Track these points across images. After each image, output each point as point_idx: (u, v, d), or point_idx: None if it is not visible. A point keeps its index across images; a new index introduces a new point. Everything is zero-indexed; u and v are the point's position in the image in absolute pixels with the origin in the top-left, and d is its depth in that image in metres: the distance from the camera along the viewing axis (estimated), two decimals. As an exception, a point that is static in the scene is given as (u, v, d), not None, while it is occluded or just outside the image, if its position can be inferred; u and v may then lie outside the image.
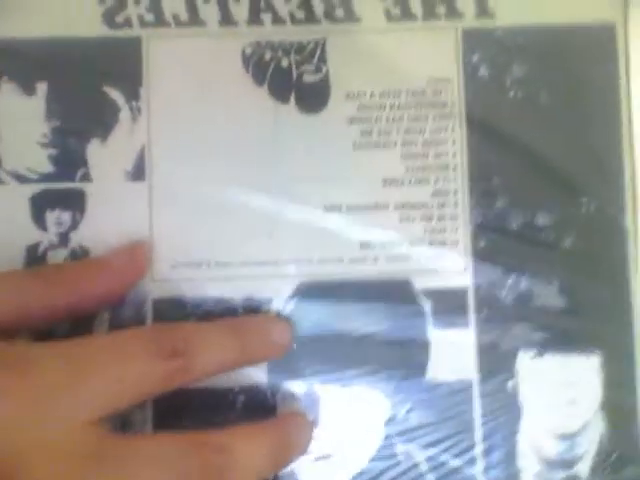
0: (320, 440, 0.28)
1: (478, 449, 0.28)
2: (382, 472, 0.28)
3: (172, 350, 0.23)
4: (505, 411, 0.28)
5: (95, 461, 0.22)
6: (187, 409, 0.27)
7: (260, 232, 0.27)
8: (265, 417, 0.27)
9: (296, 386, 0.28)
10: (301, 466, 0.27)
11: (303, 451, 0.27)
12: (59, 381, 0.22)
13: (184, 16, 0.28)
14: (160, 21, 0.28)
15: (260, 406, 0.27)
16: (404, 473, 0.28)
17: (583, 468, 0.28)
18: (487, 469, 0.28)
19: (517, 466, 0.28)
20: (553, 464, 0.28)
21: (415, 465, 0.28)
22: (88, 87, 0.27)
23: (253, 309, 0.28)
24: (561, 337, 0.28)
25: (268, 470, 0.25)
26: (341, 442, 0.28)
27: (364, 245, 0.28)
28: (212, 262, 0.28)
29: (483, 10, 0.28)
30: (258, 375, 0.27)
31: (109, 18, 0.28)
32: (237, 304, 0.27)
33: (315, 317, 0.28)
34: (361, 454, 0.28)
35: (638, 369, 0.28)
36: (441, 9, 0.28)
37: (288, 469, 0.27)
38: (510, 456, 0.28)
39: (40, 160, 0.27)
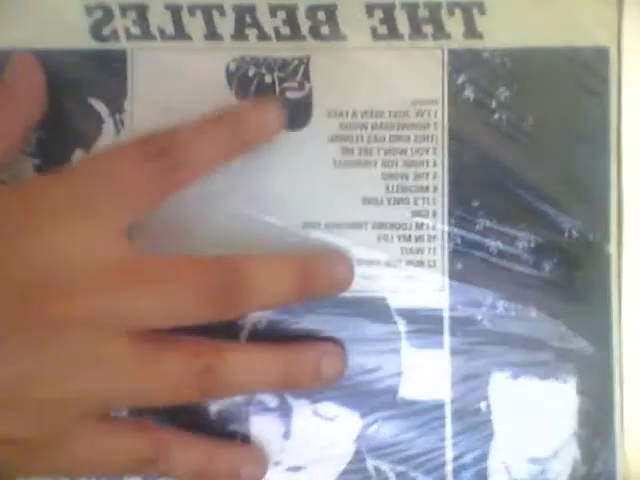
0: (292, 452, 0.28)
1: (448, 468, 0.28)
2: (352, 486, 0.28)
3: (159, 149, 0.24)
4: (477, 432, 0.28)
5: (128, 274, 0.23)
6: (162, 420, 0.28)
7: (240, 247, 0.28)
8: (238, 428, 0.28)
9: (268, 399, 0.28)
10: (272, 477, 0.28)
11: (335, 289, 0.27)
12: (72, 200, 0.24)
13: (170, 30, 0.28)
14: (146, 34, 0.28)
15: (233, 417, 0.28)
16: (374, 488, 0.28)
17: (554, 492, 0.28)
18: (456, 488, 0.28)
19: (487, 486, 0.28)
20: (523, 486, 0.28)
21: (385, 481, 0.28)
22: (73, 98, 0.28)
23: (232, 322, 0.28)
24: (537, 362, 0.28)
25: (290, 297, 0.25)
26: (313, 455, 0.28)
27: (341, 263, 0.28)
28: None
29: (471, 31, 0.28)
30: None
31: (96, 31, 0.28)
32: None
33: (290, 332, 0.28)
34: (332, 468, 0.28)
35: (615, 397, 0.28)
36: (428, 29, 0.28)
37: (259, 479, 0.28)
38: (480, 476, 0.28)
39: (26, 169, 0.28)
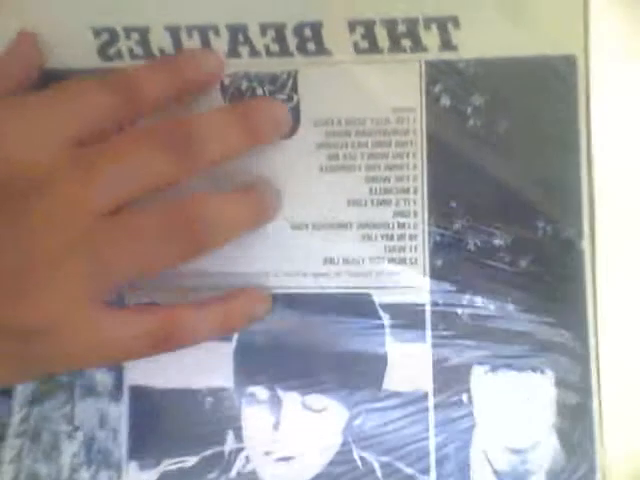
0: (282, 443, 0.29)
1: (432, 458, 0.29)
2: (339, 476, 0.29)
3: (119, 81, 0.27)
4: (459, 423, 0.29)
5: (93, 160, 0.26)
6: (160, 408, 0.30)
7: (231, 245, 0.29)
8: (231, 418, 0.29)
9: (259, 391, 0.30)
10: (263, 466, 0.29)
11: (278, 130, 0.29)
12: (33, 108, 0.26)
13: (169, 49, 0.30)
14: (148, 54, 0.30)
15: (226, 408, 0.30)
16: (360, 478, 0.29)
17: (536, 483, 0.29)
18: (440, 478, 0.29)
19: (470, 477, 0.29)
20: (506, 476, 0.29)
21: (371, 471, 0.29)
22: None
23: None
24: (515, 355, 0.29)
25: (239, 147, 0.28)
26: (301, 446, 0.29)
27: (328, 261, 0.30)
28: (188, 272, 0.30)
29: (446, 44, 0.30)
30: (225, 379, 0.30)
31: (103, 51, 0.31)
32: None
33: (281, 327, 0.30)
34: (320, 458, 0.29)
35: (592, 388, 0.29)
36: (407, 42, 0.30)
37: (250, 468, 0.29)
38: (463, 467, 0.29)
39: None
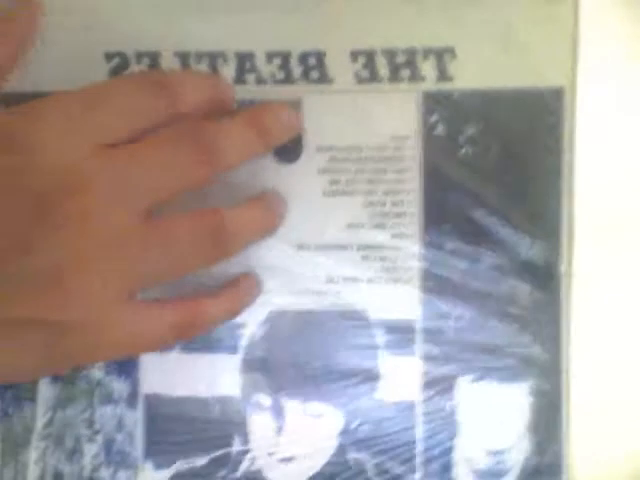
0: (285, 445, 0.32)
1: (418, 459, 0.32)
2: (335, 475, 0.32)
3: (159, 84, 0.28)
4: (443, 428, 0.32)
5: (124, 161, 0.27)
6: (172, 414, 0.32)
7: (238, 264, 0.32)
8: (237, 423, 0.32)
9: (264, 399, 0.32)
10: (267, 466, 0.32)
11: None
12: (73, 111, 0.27)
13: (179, 74, 0.32)
14: (158, 78, 0.32)
15: (233, 414, 0.32)
16: (353, 477, 0.32)
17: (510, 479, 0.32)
18: (425, 477, 0.32)
19: (452, 475, 0.32)
20: (484, 475, 0.32)
21: (363, 470, 0.32)
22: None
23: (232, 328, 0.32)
24: (496, 367, 0.32)
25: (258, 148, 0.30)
26: (302, 448, 0.32)
27: (329, 279, 0.32)
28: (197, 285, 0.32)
29: (443, 75, 0.31)
30: (232, 388, 0.32)
31: (114, 75, 0.32)
32: (217, 325, 0.32)
33: (284, 340, 0.32)
34: (318, 459, 0.32)
35: (563, 398, 0.32)
36: (405, 73, 0.32)
37: (255, 468, 0.32)
38: (446, 466, 0.32)
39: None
